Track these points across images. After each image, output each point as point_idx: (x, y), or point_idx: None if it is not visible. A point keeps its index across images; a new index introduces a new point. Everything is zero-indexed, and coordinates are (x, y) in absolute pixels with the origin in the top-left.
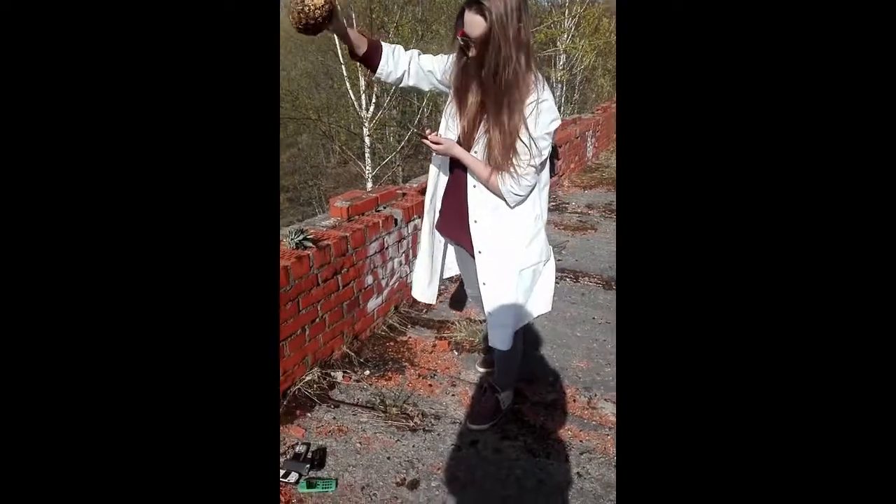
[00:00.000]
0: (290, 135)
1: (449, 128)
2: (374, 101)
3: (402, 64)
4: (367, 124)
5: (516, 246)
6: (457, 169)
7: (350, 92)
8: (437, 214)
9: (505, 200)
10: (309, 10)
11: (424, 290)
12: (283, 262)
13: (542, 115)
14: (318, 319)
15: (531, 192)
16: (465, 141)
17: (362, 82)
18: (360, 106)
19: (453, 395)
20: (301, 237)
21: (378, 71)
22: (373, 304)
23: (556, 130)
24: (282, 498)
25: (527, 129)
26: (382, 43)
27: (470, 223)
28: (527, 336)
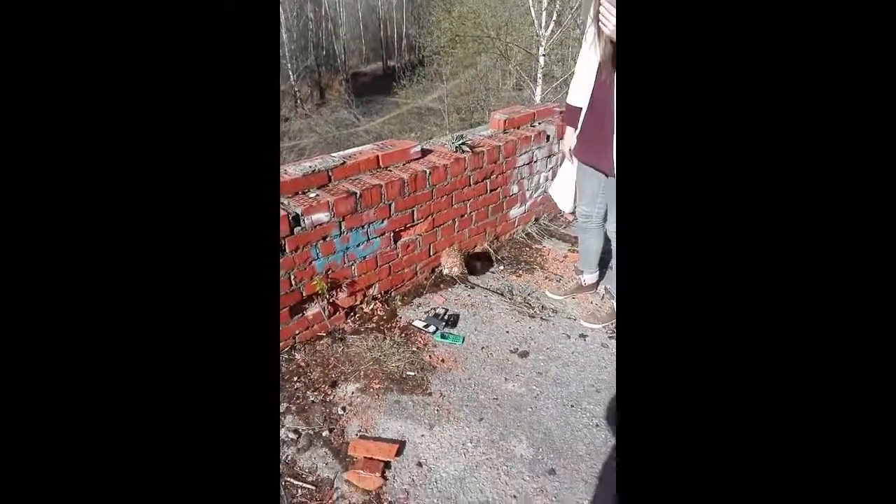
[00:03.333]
0: (470, 54)
1: (587, 62)
2: (554, 18)
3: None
4: (543, 44)
5: None
6: (596, 101)
7: (532, 9)
8: (575, 140)
9: None
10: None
11: (568, 202)
12: (442, 162)
13: None
14: (465, 215)
15: None
16: (605, 68)
17: None
18: (540, 24)
19: (573, 297)
20: (460, 142)
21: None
22: (515, 211)
23: None
24: (420, 341)
25: None
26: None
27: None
28: None
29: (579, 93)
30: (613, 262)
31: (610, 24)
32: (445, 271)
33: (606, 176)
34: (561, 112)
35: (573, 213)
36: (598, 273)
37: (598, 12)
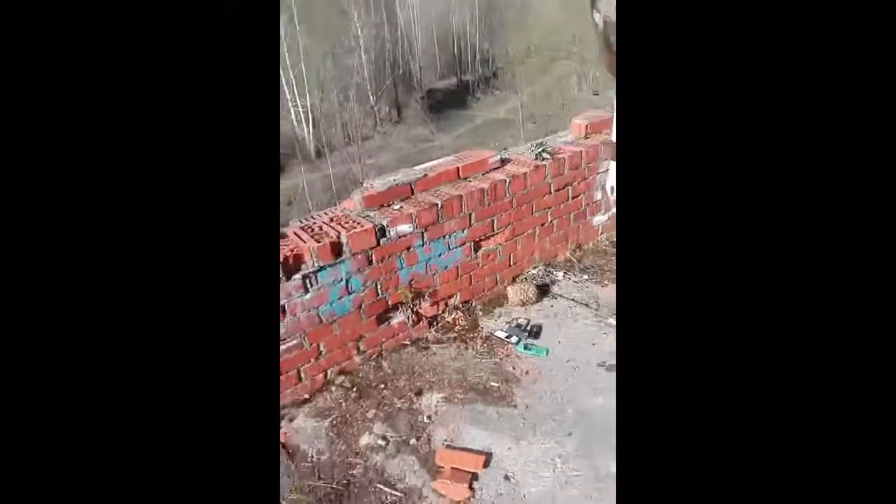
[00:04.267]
0: (546, 62)
1: None
2: None
3: None
4: None
5: None
6: None
7: None
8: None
9: None
10: None
11: None
12: (521, 170)
13: None
14: (546, 223)
15: None
16: None
17: None
18: None
19: None
20: (540, 149)
21: None
22: (598, 219)
23: None
24: (502, 351)
25: None
26: None
27: None
28: None
29: None
30: None
31: None
32: (514, 301)
33: None
34: None
35: None
36: None
37: None
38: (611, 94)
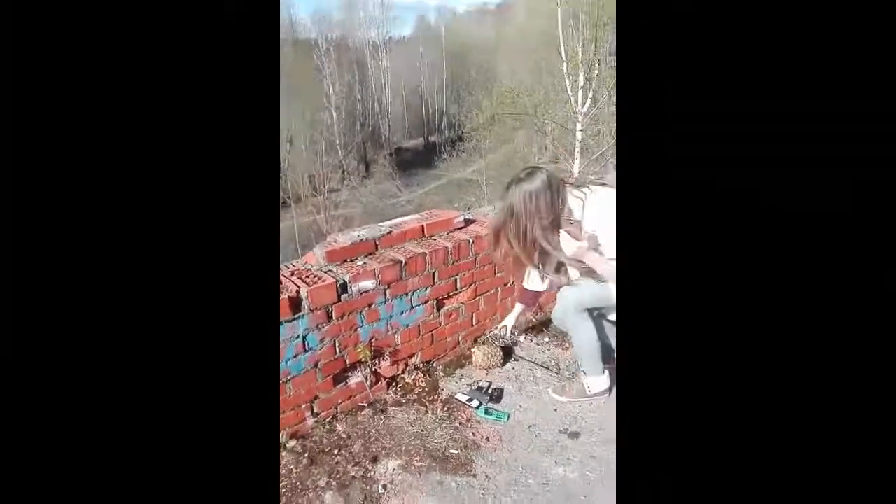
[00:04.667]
0: (509, 130)
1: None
2: (590, 96)
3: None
4: (581, 120)
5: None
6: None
7: (568, 88)
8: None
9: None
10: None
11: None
12: (485, 231)
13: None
14: (508, 284)
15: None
16: None
17: (581, 78)
18: (576, 101)
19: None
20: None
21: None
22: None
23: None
24: (462, 416)
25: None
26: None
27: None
28: None
29: (538, 280)
30: (584, 340)
31: (567, 252)
32: (480, 364)
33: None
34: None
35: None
36: (606, 375)
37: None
38: (571, 162)
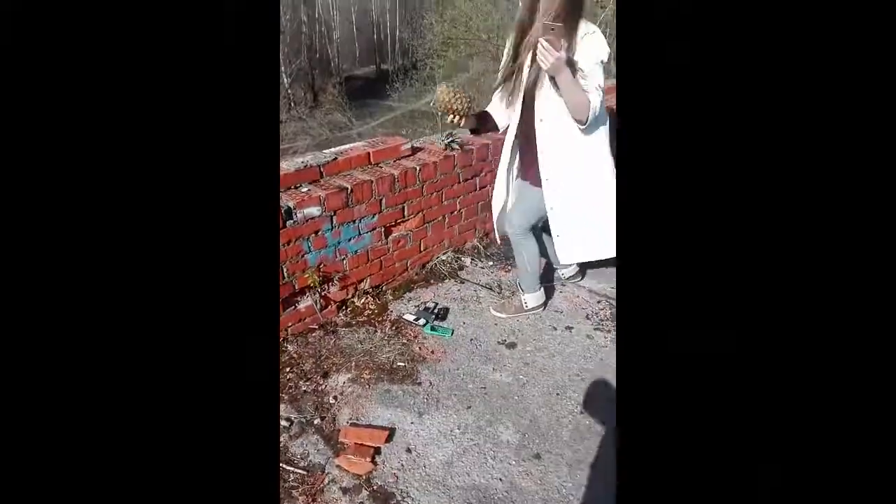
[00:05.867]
0: (462, 58)
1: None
2: None
3: (500, 118)
4: None
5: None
6: (524, 122)
7: None
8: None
9: (581, 121)
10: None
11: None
12: (432, 159)
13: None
14: (455, 212)
15: (598, 121)
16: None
17: None
18: None
19: (561, 292)
20: (450, 140)
21: (500, 128)
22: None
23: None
24: (410, 333)
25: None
26: (486, 111)
27: (538, 154)
28: None
29: (501, 110)
30: (526, 259)
31: (548, 61)
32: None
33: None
34: None
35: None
36: (541, 292)
37: (534, 46)
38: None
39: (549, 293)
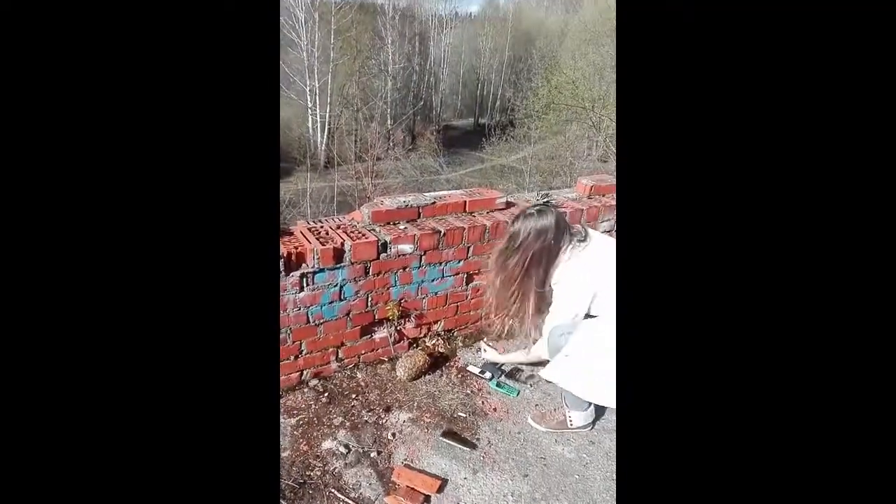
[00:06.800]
0: (562, 122)
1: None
2: None
3: None
4: None
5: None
6: None
7: None
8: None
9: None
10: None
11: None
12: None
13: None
14: None
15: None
16: None
17: None
18: None
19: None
20: (546, 200)
21: None
22: None
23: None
24: (475, 385)
25: None
26: None
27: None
28: None
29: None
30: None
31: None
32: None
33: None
34: None
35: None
36: (590, 411)
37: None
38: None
39: (599, 410)
